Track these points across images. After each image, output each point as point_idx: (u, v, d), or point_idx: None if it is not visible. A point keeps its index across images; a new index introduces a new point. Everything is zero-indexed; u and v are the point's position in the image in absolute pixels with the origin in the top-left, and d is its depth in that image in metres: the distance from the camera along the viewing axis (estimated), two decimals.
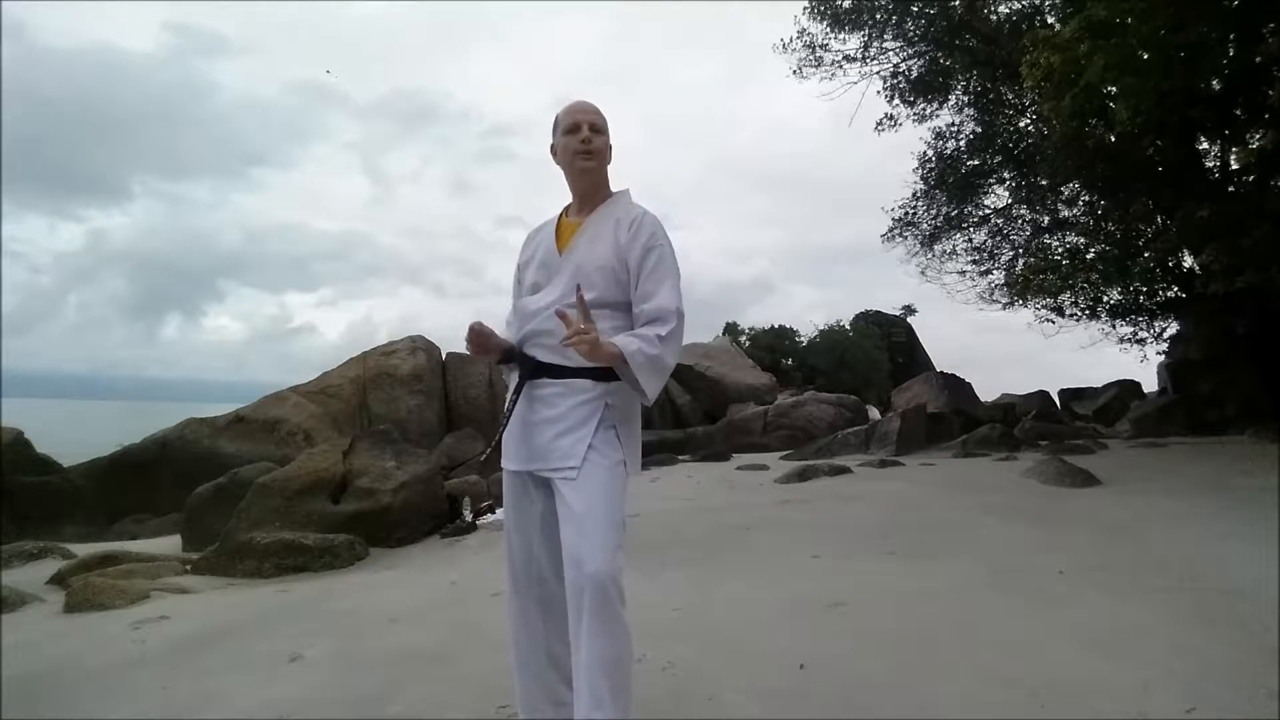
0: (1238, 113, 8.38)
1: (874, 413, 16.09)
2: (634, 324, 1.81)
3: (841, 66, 11.74)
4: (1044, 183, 11.18)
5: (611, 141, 1.94)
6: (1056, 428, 11.34)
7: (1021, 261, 11.98)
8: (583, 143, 1.85)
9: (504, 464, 1.88)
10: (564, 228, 1.92)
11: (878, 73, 11.79)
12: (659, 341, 1.73)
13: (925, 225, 12.72)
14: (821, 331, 30.16)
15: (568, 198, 1.98)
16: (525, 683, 1.88)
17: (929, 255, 12.87)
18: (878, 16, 11.04)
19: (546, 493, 1.82)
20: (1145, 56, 6.83)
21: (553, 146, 1.93)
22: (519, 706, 1.90)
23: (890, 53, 11.62)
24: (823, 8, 11.28)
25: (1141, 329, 11.67)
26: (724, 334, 26.91)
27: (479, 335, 1.80)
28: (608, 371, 1.77)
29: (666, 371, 1.76)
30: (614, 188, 1.97)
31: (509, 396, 1.86)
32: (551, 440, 1.77)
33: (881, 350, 30.03)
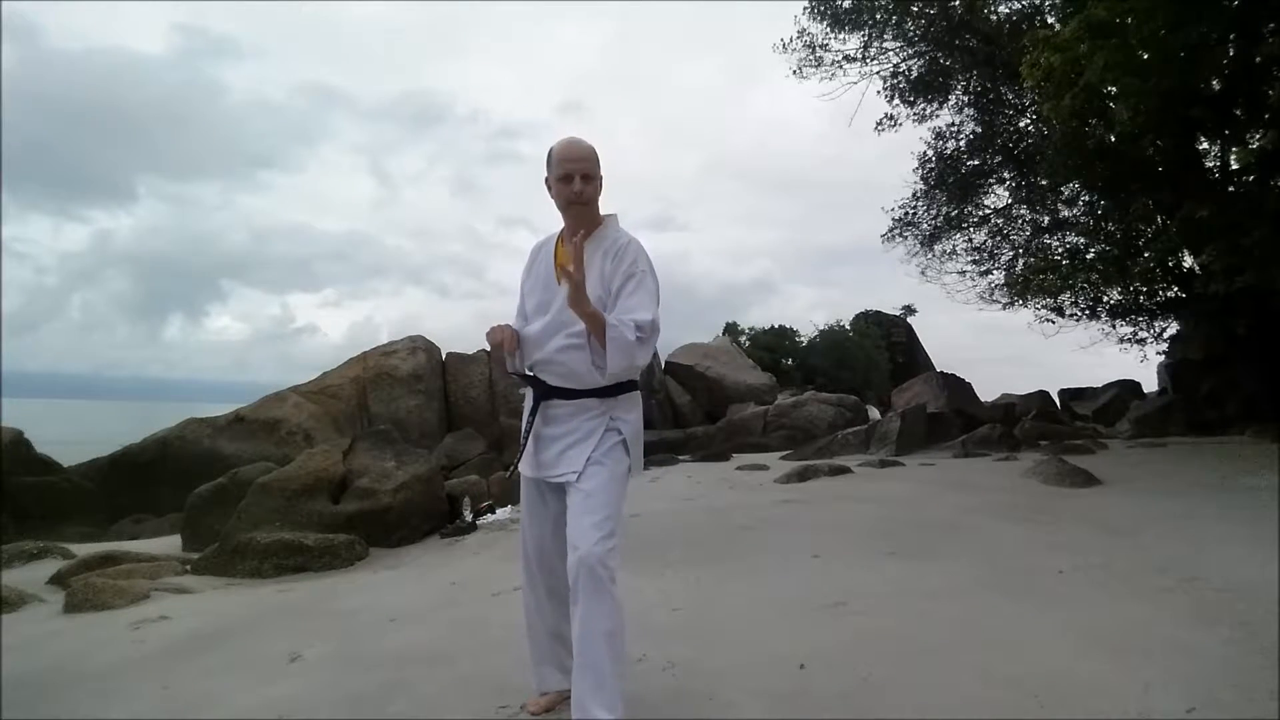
0: (1238, 113, 8.37)
1: (874, 413, 16.09)
2: None
3: (841, 66, 11.74)
4: (1044, 183, 11.17)
5: (602, 174, 2.08)
6: (1056, 428, 11.33)
7: (1021, 261, 11.99)
8: (576, 194, 2.02)
9: (522, 470, 2.14)
10: (561, 256, 2.09)
11: (878, 73, 11.80)
12: (636, 335, 1.91)
13: (925, 225, 12.72)
14: (821, 331, 30.17)
15: None
16: (537, 660, 2.16)
17: (929, 255, 12.88)
18: (878, 16, 11.03)
19: (560, 496, 2.05)
20: (1145, 56, 6.82)
21: (547, 180, 2.09)
22: (534, 681, 2.17)
23: (890, 53, 11.63)
24: (823, 8, 11.27)
25: (1141, 329, 11.67)
26: (724, 334, 26.91)
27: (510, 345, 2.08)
28: (611, 389, 2.01)
29: (632, 365, 1.94)
30: (612, 198, 2.13)
31: (525, 415, 2.11)
32: (561, 452, 2.01)
33: (881, 350, 30.03)
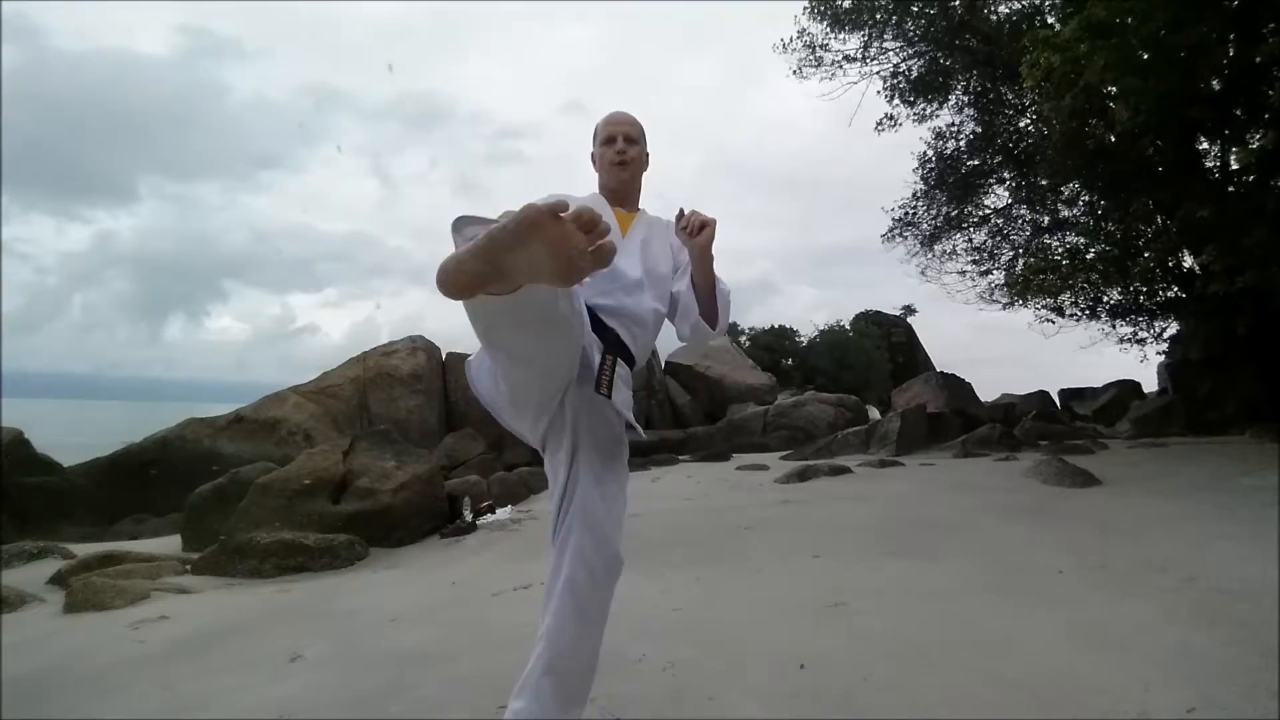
0: (1238, 113, 8.37)
1: (874, 413, 16.08)
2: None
3: (841, 66, 11.75)
4: (1044, 183, 11.18)
5: (649, 149, 2.04)
6: (1056, 428, 11.33)
7: (1021, 261, 11.99)
8: (618, 153, 1.97)
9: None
10: (617, 216, 1.95)
11: (878, 73, 11.81)
12: (728, 298, 1.89)
13: (925, 225, 12.74)
14: (822, 331, 30.24)
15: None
16: None
17: (929, 255, 12.90)
18: (878, 16, 11.03)
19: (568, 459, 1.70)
20: (1145, 56, 6.82)
21: (593, 155, 2.05)
22: None
23: (890, 53, 11.63)
24: (823, 8, 11.27)
25: (1141, 329, 11.68)
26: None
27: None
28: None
29: (726, 322, 1.91)
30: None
31: (598, 363, 1.65)
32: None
33: (881, 350, 30.06)
